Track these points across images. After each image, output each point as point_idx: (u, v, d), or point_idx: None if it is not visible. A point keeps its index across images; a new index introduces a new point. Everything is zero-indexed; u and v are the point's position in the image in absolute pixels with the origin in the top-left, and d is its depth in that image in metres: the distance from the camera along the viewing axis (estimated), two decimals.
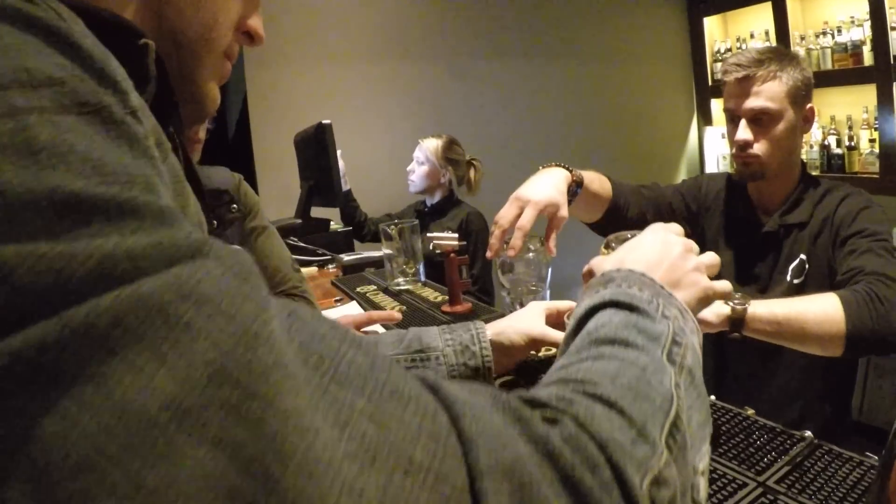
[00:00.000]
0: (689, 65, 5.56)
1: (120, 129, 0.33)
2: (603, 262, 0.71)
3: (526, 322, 1.07)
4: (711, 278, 0.73)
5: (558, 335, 1.03)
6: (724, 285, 0.74)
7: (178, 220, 0.31)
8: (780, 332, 1.22)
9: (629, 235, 0.82)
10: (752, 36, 4.72)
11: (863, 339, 1.22)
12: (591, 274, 0.77)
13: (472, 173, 3.41)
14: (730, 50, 5.04)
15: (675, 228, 0.77)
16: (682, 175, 5.65)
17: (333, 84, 4.30)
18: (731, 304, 1.19)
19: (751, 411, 1.07)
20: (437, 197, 3.39)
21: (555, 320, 1.11)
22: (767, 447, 0.96)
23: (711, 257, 0.76)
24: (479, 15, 4.70)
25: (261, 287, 0.31)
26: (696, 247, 0.74)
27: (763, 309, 1.21)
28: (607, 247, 0.88)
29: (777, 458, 0.93)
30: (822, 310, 1.24)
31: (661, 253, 0.69)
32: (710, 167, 5.49)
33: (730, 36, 5.17)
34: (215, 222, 1.38)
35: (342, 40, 4.34)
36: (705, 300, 0.71)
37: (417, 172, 3.34)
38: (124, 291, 0.26)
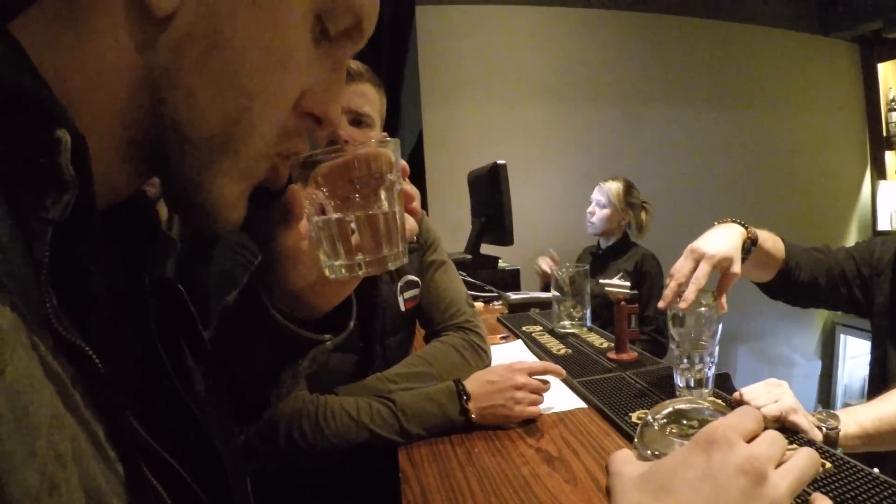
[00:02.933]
0: (861, 114, 5.22)
1: None
2: (628, 494, 0.53)
3: None
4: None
5: None
6: None
7: None
8: (875, 443, 1.18)
9: (683, 425, 0.63)
10: None
11: None
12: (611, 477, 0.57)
13: (643, 216, 3.42)
14: None
15: (743, 428, 0.53)
16: (852, 232, 5.27)
17: (507, 124, 4.41)
18: (823, 428, 1.16)
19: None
20: (612, 239, 3.41)
21: None
22: None
23: (802, 466, 0.52)
24: (653, 61, 4.68)
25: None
26: (770, 458, 0.51)
27: (853, 428, 1.18)
28: (647, 429, 0.65)
29: None
30: None
31: (710, 502, 0.49)
32: (884, 224, 5.10)
33: None
34: None
35: (517, 82, 4.45)
36: None
37: (598, 215, 3.38)
38: None
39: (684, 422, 0.64)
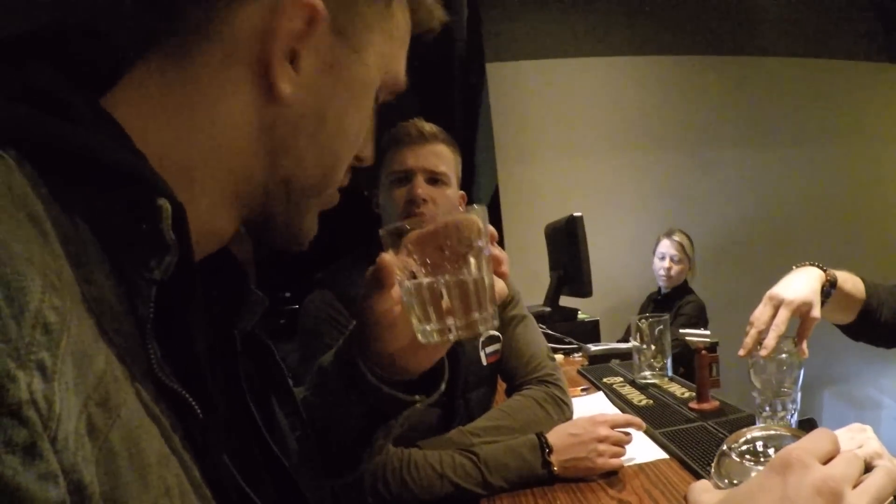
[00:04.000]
0: None
1: None
2: None
3: None
4: None
5: None
6: None
7: None
8: None
9: (759, 449, 0.63)
10: None
11: None
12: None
13: None
14: None
15: (818, 451, 0.52)
16: None
17: (581, 175, 4.45)
18: None
19: None
20: (671, 287, 3.68)
21: None
22: None
23: (879, 485, 0.51)
24: (723, 104, 4.66)
25: None
26: (847, 478, 0.50)
27: None
28: (723, 458, 0.64)
29: None
30: None
31: None
32: None
33: None
34: None
35: (589, 132, 4.49)
36: None
37: (675, 269, 3.62)
38: None
39: (760, 449, 0.63)
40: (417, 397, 0.82)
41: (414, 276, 0.68)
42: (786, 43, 4.72)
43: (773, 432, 0.65)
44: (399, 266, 0.69)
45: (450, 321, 0.68)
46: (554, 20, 4.49)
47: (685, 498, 0.58)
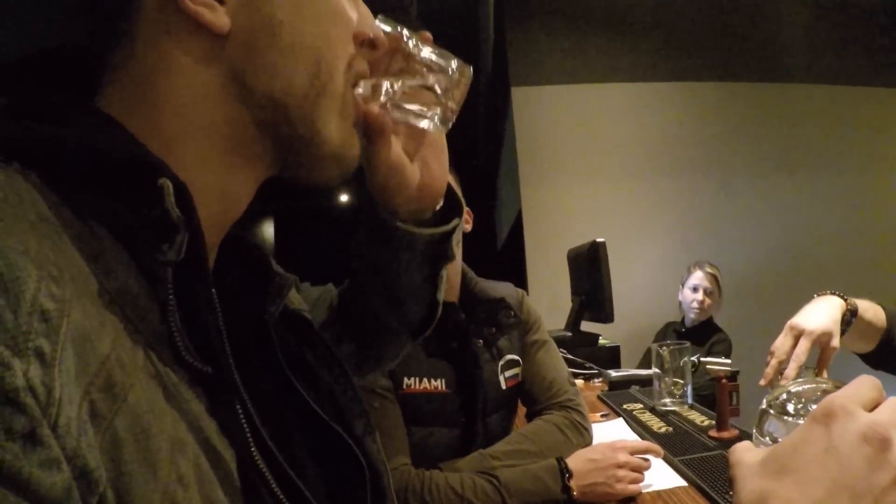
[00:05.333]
0: None
1: None
2: (750, 479, 0.50)
3: None
4: None
5: None
6: None
7: None
8: None
9: (800, 406, 0.60)
10: None
11: None
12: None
13: None
14: None
15: (862, 397, 0.50)
16: None
17: (604, 200, 4.45)
18: None
19: None
20: (697, 321, 3.66)
21: None
22: None
23: None
24: (746, 130, 4.65)
25: None
26: (889, 423, 0.48)
27: None
28: (764, 416, 0.63)
29: None
30: None
31: (835, 476, 0.46)
32: None
33: None
34: (494, 328, 1.53)
35: (613, 158, 4.50)
36: None
37: (708, 302, 3.61)
38: None
39: (801, 402, 0.61)
40: (451, 225, 0.82)
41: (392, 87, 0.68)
42: (811, 69, 4.71)
43: (812, 385, 0.62)
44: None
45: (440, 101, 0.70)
46: (579, 46, 4.52)
47: (727, 459, 0.55)
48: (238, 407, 0.47)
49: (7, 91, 0.47)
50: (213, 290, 0.47)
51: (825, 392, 0.60)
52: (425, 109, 0.70)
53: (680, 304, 3.79)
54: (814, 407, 0.51)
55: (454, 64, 0.71)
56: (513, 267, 4.19)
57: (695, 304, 3.61)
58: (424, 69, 0.70)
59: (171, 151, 0.49)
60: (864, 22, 4.76)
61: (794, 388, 0.63)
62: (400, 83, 0.68)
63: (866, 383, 0.51)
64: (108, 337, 0.37)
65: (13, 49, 0.53)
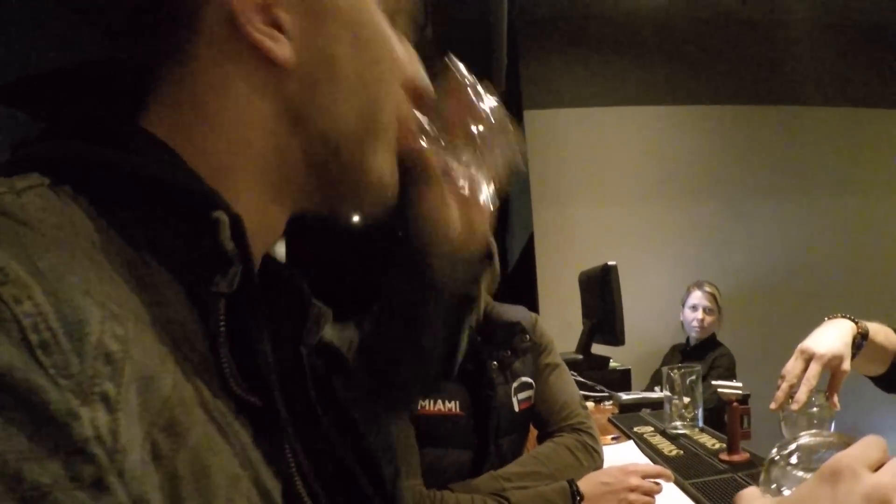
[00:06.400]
0: None
1: None
2: None
3: None
4: None
5: None
6: None
7: None
8: None
9: (812, 460, 0.62)
10: None
11: None
12: None
13: None
14: None
15: (868, 458, 0.52)
16: None
17: (616, 223, 4.47)
18: None
19: None
20: (700, 339, 3.71)
21: None
22: None
23: None
24: (760, 153, 4.67)
25: None
26: (892, 486, 0.49)
27: None
28: (772, 466, 0.65)
29: None
30: None
31: None
32: None
33: None
34: (509, 351, 1.54)
35: (625, 181, 4.52)
36: None
37: (708, 321, 3.66)
38: None
39: (809, 457, 0.62)
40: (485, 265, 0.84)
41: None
42: (820, 92, 4.73)
43: (822, 439, 0.64)
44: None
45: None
46: (591, 69, 4.56)
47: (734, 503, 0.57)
48: (283, 438, 0.47)
49: (48, 103, 0.48)
50: (265, 325, 0.47)
51: (832, 446, 0.61)
52: (473, 162, 0.72)
53: (682, 324, 3.83)
54: (821, 462, 0.54)
55: (508, 124, 0.73)
56: (524, 289, 4.19)
57: (695, 323, 3.67)
58: (478, 120, 0.71)
59: (220, 179, 0.48)
60: (876, 45, 4.79)
61: (803, 441, 0.65)
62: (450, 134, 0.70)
63: (873, 444, 0.53)
64: (168, 375, 0.37)
65: (47, 59, 0.53)
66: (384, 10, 0.57)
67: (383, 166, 0.58)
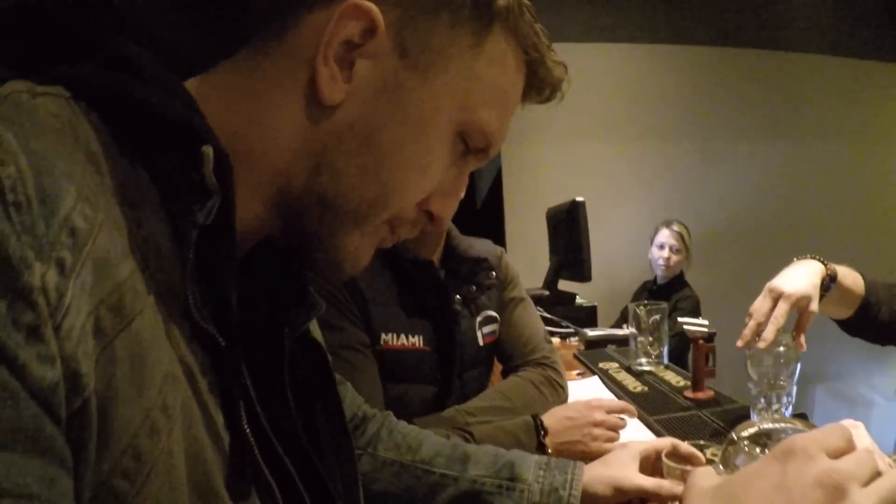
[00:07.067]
0: None
1: None
2: (695, 501, 0.52)
3: (615, 470, 0.96)
4: None
5: (649, 483, 0.94)
6: None
7: None
8: None
9: (764, 443, 0.61)
10: None
11: None
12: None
13: None
14: None
15: (827, 444, 0.50)
16: None
17: (585, 161, 4.45)
18: None
19: None
20: (668, 278, 3.74)
21: (651, 465, 1.02)
22: None
23: (891, 485, 0.47)
24: (728, 96, 4.68)
25: None
26: (855, 475, 0.47)
27: None
28: (730, 447, 0.65)
29: None
30: None
31: None
32: None
33: None
34: (474, 286, 1.52)
35: (595, 119, 4.48)
36: None
37: (675, 259, 3.69)
38: None
39: (770, 440, 0.61)
40: None
41: None
42: (799, 39, 4.70)
43: (784, 425, 0.63)
44: None
45: None
46: (564, 4, 4.45)
47: (685, 482, 0.56)
48: (234, 373, 0.48)
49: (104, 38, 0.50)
50: (236, 263, 0.49)
51: (795, 431, 0.60)
52: None
53: (650, 261, 3.85)
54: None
55: None
56: (492, 224, 4.18)
57: (661, 262, 3.70)
58: None
59: (233, 158, 0.49)
60: None
61: (764, 426, 0.64)
62: None
63: (836, 432, 0.51)
64: (127, 267, 0.40)
65: None
66: (456, 131, 0.58)
67: (356, 253, 0.59)
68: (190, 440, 0.43)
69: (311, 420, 0.65)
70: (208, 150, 0.45)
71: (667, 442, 1.04)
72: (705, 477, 0.55)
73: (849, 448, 0.50)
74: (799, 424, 0.62)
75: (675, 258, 3.68)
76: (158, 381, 0.40)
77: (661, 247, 3.71)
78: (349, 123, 0.53)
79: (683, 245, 3.71)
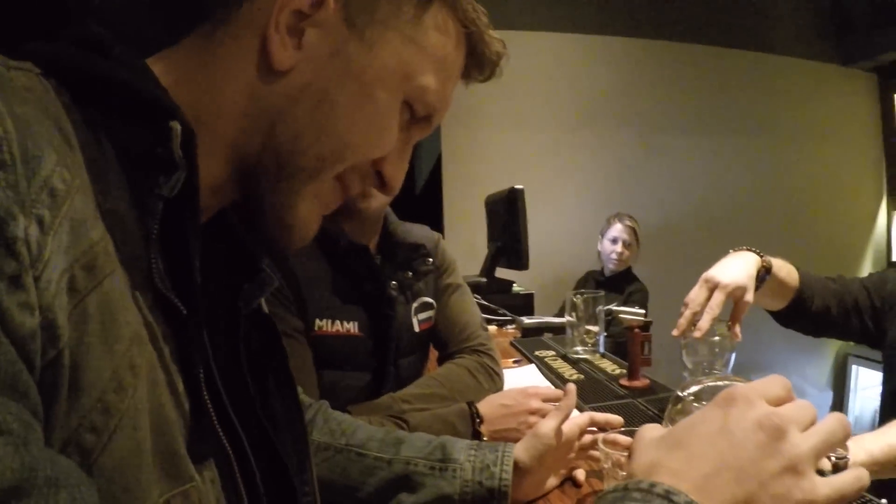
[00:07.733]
0: (879, 144, 5.27)
1: None
2: (644, 451, 0.53)
3: (537, 440, 1.04)
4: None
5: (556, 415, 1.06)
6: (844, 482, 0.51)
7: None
8: (885, 471, 1.14)
9: (716, 388, 0.61)
10: None
11: None
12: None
13: None
14: None
15: (766, 392, 0.52)
16: (867, 263, 5.28)
17: (526, 149, 4.45)
18: (832, 457, 1.14)
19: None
20: (617, 271, 3.78)
21: (573, 446, 1.13)
22: None
23: (829, 429, 0.51)
24: (672, 89, 4.76)
25: None
26: (794, 419, 0.50)
27: (862, 456, 1.13)
28: (676, 403, 0.67)
29: None
30: None
31: (724, 455, 0.48)
32: None
33: None
34: (410, 273, 1.49)
35: (537, 107, 4.49)
36: None
37: (627, 254, 3.74)
38: None
39: (714, 393, 0.60)
40: None
41: None
42: (743, 37, 4.81)
43: (727, 382, 0.63)
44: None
45: None
46: None
47: (633, 436, 0.58)
48: (194, 342, 0.50)
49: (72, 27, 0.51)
50: (199, 234, 0.51)
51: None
52: None
53: (599, 254, 3.88)
54: None
55: None
56: (430, 211, 4.15)
57: (614, 256, 3.74)
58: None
59: (197, 125, 0.51)
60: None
61: (709, 383, 0.65)
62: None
63: (776, 381, 0.54)
64: (100, 228, 0.42)
65: None
66: (401, 99, 0.61)
67: (307, 218, 0.61)
68: (154, 401, 0.44)
69: (265, 394, 0.67)
70: (176, 126, 0.47)
71: (585, 417, 1.11)
72: (652, 429, 0.56)
73: (788, 397, 0.53)
74: (741, 380, 0.64)
75: (627, 252, 3.74)
76: (126, 340, 0.42)
77: (615, 241, 3.75)
78: (302, 86, 0.56)
79: (635, 239, 3.76)
